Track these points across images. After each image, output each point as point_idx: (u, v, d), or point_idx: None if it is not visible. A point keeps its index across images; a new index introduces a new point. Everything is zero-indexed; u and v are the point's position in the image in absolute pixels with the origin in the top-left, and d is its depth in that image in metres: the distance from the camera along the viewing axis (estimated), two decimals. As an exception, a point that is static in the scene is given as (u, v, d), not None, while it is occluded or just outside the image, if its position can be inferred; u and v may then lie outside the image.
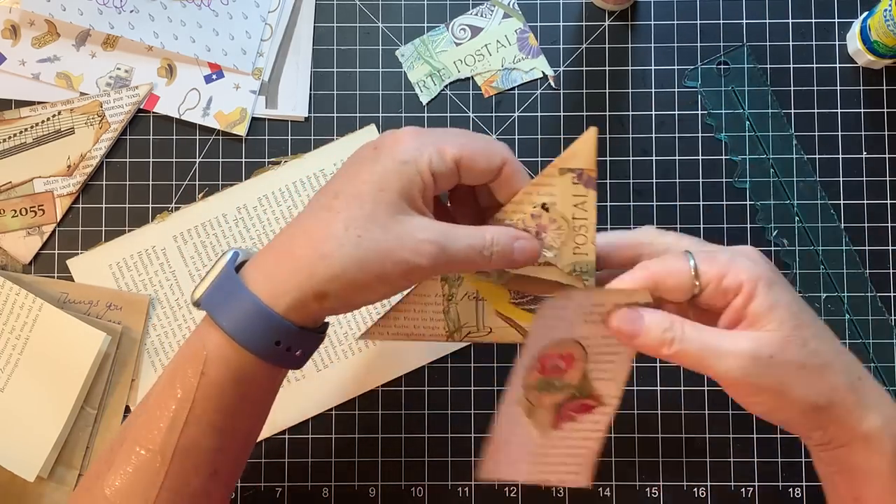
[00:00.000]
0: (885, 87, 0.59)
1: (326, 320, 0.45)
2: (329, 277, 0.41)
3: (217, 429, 0.43)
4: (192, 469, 0.42)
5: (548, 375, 0.44)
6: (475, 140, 0.44)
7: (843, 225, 0.58)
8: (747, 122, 0.58)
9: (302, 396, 0.57)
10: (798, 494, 0.57)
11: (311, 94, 0.60)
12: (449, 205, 0.48)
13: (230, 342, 0.42)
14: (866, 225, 0.58)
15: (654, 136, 0.59)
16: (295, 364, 0.44)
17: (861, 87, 0.59)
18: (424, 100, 0.59)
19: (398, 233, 0.41)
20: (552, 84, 0.59)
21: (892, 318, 0.57)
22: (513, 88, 0.59)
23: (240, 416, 0.44)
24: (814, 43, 0.59)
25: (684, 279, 0.42)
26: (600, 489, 0.57)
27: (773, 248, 0.58)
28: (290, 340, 0.42)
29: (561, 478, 0.46)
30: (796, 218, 0.58)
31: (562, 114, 0.59)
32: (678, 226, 0.58)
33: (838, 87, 0.59)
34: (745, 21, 0.59)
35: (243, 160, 0.59)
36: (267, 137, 0.59)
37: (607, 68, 0.59)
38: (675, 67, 0.59)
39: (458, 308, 0.48)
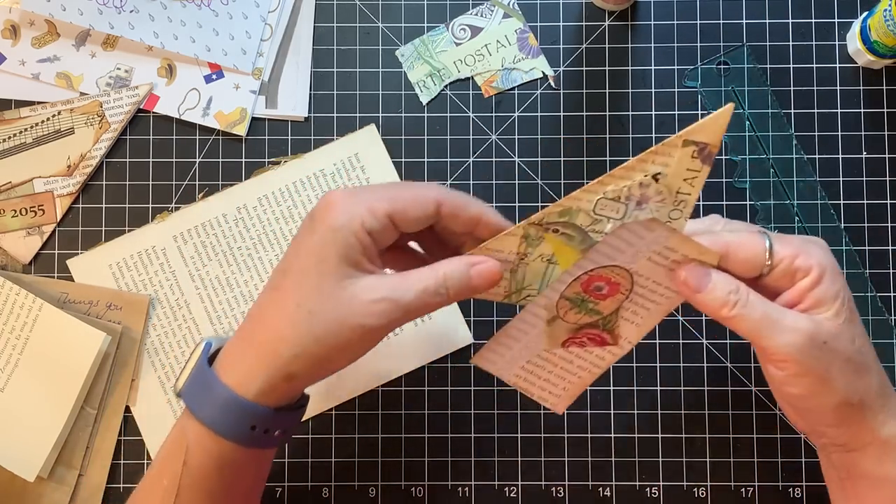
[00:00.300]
0: (885, 87, 0.59)
1: (307, 392, 0.47)
2: (290, 358, 0.42)
3: None
4: None
5: (587, 294, 0.44)
6: (405, 190, 0.44)
7: (843, 225, 0.58)
8: (747, 122, 0.58)
9: (302, 396, 0.57)
10: (798, 494, 0.57)
11: (311, 94, 0.60)
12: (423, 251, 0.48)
13: (208, 432, 0.43)
14: (866, 225, 0.58)
15: (654, 136, 0.59)
16: (275, 443, 0.46)
17: (861, 87, 0.59)
18: (424, 100, 0.59)
19: (346, 300, 0.41)
20: (552, 84, 0.59)
21: (892, 318, 0.57)
22: (513, 88, 0.59)
23: (228, 500, 0.45)
24: (814, 43, 0.59)
25: (758, 254, 0.43)
26: (600, 489, 0.57)
27: (773, 248, 0.58)
28: (265, 423, 0.43)
29: (541, 395, 0.47)
30: (796, 218, 0.58)
31: (562, 114, 0.59)
32: (678, 226, 0.58)
33: (838, 87, 0.59)
34: (745, 21, 0.59)
35: (243, 160, 0.59)
36: (267, 137, 0.59)
37: (607, 68, 0.59)
38: (675, 67, 0.59)
39: (528, 269, 0.46)
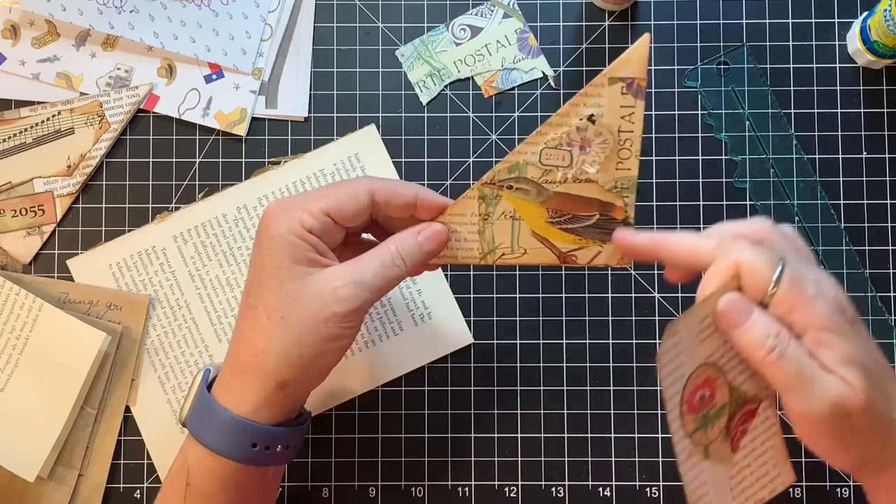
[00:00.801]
0: (885, 87, 0.59)
1: (307, 409, 0.49)
2: (278, 367, 0.43)
3: None
4: None
5: (700, 411, 0.42)
6: (337, 187, 0.45)
7: (843, 225, 0.58)
8: (747, 122, 0.58)
9: (302, 396, 0.57)
10: (798, 494, 0.57)
11: (311, 94, 0.60)
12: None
13: (210, 454, 0.44)
14: (866, 225, 0.58)
15: (654, 135, 0.59)
16: (280, 460, 0.46)
17: (861, 87, 0.59)
18: (424, 100, 0.59)
19: (312, 295, 0.43)
20: (552, 84, 0.59)
21: (892, 318, 0.57)
22: (513, 88, 0.59)
23: None
24: (814, 43, 0.59)
25: (760, 284, 0.38)
26: (600, 489, 0.57)
27: (773, 248, 0.58)
28: (265, 440, 0.45)
29: (769, 489, 0.45)
30: (796, 218, 0.58)
31: (562, 114, 0.59)
32: (678, 226, 0.58)
33: (838, 87, 0.59)
34: (745, 21, 0.59)
35: (243, 160, 0.59)
36: (267, 137, 0.59)
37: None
38: (675, 67, 0.59)
39: (494, 228, 0.47)
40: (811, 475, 0.56)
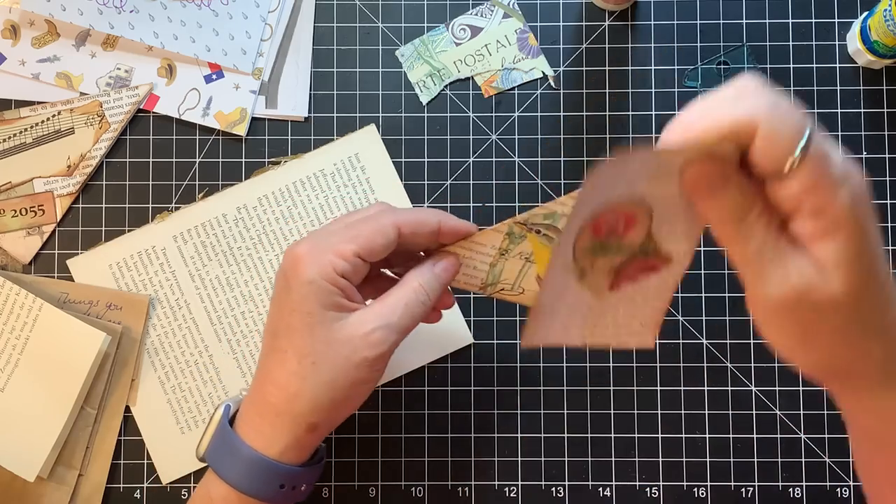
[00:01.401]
0: (885, 87, 0.59)
1: (322, 445, 0.49)
2: (309, 410, 0.44)
3: None
4: None
5: (603, 238, 0.40)
6: (364, 225, 0.45)
7: (843, 225, 0.58)
8: (747, 122, 0.58)
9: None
10: (798, 494, 0.57)
11: (311, 94, 0.60)
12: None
13: (236, 493, 0.45)
14: (866, 225, 0.58)
15: (654, 136, 0.59)
16: (301, 497, 0.47)
17: (861, 87, 0.59)
18: (424, 100, 0.59)
19: (343, 341, 0.43)
20: (552, 84, 0.59)
21: (892, 318, 0.57)
22: (513, 88, 0.59)
23: None
24: (814, 43, 0.59)
25: (779, 149, 0.32)
26: (600, 489, 0.57)
27: (773, 248, 0.58)
28: (294, 481, 0.46)
29: (622, 340, 0.43)
30: (796, 218, 0.58)
31: (562, 114, 0.59)
32: (678, 226, 0.58)
33: (838, 87, 0.59)
34: (745, 21, 0.59)
35: (243, 160, 0.59)
36: (267, 137, 0.59)
37: (607, 68, 0.59)
38: (675, 67, 0.59)
39: (507, 264, 0.47)
40: (811, 475, 0.57)
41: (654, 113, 0.59)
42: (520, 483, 0.57)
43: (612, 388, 0.58)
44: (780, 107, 0.32)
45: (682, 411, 0.57)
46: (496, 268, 0.47)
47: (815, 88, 0.59)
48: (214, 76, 0.59)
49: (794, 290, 0.33)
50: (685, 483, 0.57)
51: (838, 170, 0.32)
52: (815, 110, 0.59)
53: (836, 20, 0.59)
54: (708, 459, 0.57)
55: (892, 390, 0.36)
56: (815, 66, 0.59)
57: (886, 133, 0.59)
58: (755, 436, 0.57)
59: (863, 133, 0.58)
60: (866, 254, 0.34)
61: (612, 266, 0.41)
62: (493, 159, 0.59)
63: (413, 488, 0.57)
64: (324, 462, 0.50)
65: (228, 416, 0.47)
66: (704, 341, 0.58)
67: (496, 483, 0.57)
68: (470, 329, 0.58)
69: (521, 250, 0.46)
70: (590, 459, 0.57)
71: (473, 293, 0.53)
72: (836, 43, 0.59)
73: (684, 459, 0.57)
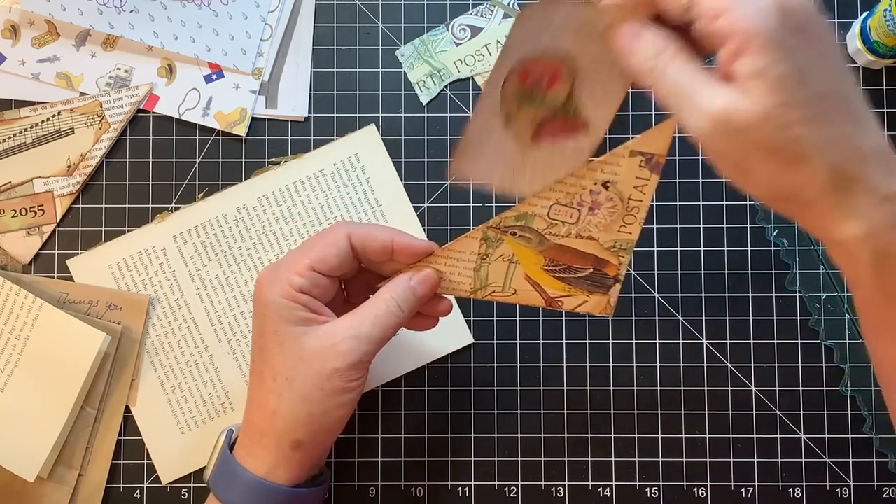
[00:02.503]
0: (884, 87, 0.59)
1: (326, 469, 0.50)
2: (289, 427, 0.45)
3: None
4: None
5: (528, 87, 0.42)
6: (317, 239, 0.47)
7: (843, 225, 0.58)
8: (747, 122, 0.58)
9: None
10: (798, 494, 0.57)
11: (311, 94, 0.60)
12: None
13: None
14: (866, 225, 0.58)
15: (654, 136, 0.59)
16: None
17: (861, 87, 0.59)
18: (424, 100, 0.59)
19: (312, 354, 0.44)
20: (552, 84, 0.59)
21: (892, 318, 0.57)
22: (513, 88, 0.59)
23: None
24: (814, 43, 0.59)
25: None
26: (600, 489, 0.57)
27: (773, 248, 0.58)
28: (286, 501, 0.46)
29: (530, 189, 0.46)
30: (796, 218, 0.58)
31: (562, 114, 0.59)
32: (678, 226, 0.58)
33: (838, 87, 0.59)
34: (745, 21, 0.59)
35: (243, 160, 0.59)
36: (267, 137, 0.59)
37: (607, 68, 0.59)
38: (675, 67, 0.59)
39: (490, 268, 0.48)
40: (811, 475, 0.57)
41: (653, 113, 0.59)
42: (520, 483, 0.57)
43: (612, 388, 0.58)
44: None
45: (682, 411, 0.57)
46: (481, 272, 0.49)
47: (815, 88, 0.59)
48: (214, 76, 0.59)
49: (718, 115, 0.34)
50: (685, 483, 0.57)
51: None
52: (815, 110, 0.59)
53: (836, 20, 0.59)
54: (708, 459, 0.57)
55: (848, 219, 0.35)
56: (815, 66, 0.59)
57: (886, 133, 0.58)
58: (755, 436, 0.57)
59: (863, 133, 0.58)
60: (787, 64, 0.33)
61: (535, 118, 0.44)
62: (493, 159, 0.59)
63: (413, 488, 0.57)
64: (326, 486, 0.50)
65: (230, 442, 0.48)
66: (704, 341, 0.58)
67: (496, 483, 0.57)
68: (470, 329, 0.58)
69: (502, 253, 0.48)
70: (590, 459, 0.57)
71: (469, 299, 0.53)
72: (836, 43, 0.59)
73: (684, 459, 0.57)
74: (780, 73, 0.33)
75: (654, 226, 0.58)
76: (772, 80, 0.33)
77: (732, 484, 0.57)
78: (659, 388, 0.58)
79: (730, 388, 0.57)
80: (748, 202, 0.58)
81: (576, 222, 0.47)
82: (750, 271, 0.58)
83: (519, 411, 0.58)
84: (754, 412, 0.57)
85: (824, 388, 0.57)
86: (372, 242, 0.46)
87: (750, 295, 0.57)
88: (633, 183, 0.45)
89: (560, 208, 0.46)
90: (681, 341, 0.58)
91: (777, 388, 0.57)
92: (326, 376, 0.44)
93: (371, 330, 0.45)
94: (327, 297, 0.47)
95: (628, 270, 0.58)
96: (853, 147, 0.35)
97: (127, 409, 0.57)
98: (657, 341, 0.57)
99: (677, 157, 0.58)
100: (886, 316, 0.37)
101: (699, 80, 0.36)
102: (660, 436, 0.57)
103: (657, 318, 0.58)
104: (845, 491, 0.57)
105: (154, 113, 0.59)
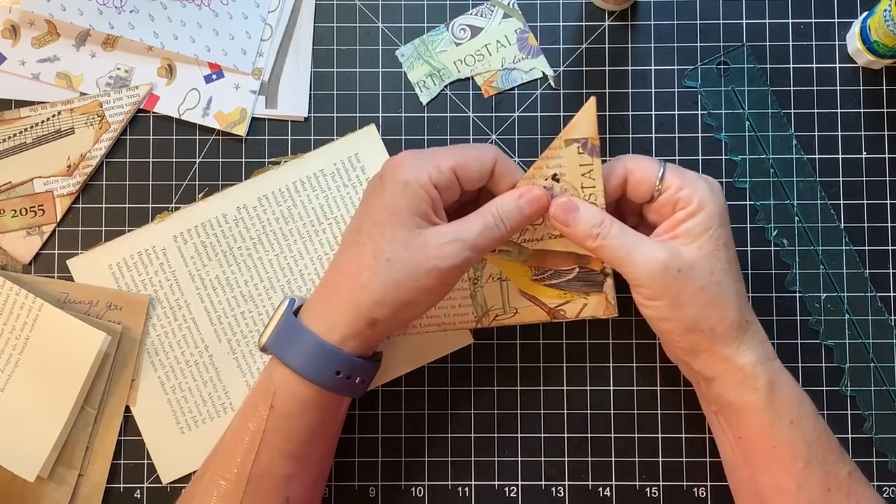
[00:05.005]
0: (884, 87, 0.59)
1: (380, 349, 0.51)
2: (373, 304, 0.46)
3: (288, 456, 0.47)
4: (266, 494, 0.46)
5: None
6: (465, 149, 0.49)
7: (842, 225, 0.58)
8: (747, 122, 0.58)
9: (302, 396, 0.57)
10: (798, 494, 0.57)
11: (311, 94, 0.60)
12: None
13: (296, 377, 0.46)
14: (866, 225, 0.58)
15: (654, 136, 0.59)
16: (356, 391, 0.48)
17: (861, 87, 0.59)
18: (424, 100, 0.59)
19: (420, 246, 0.45)
20: (552, 84, 0.59)
21: (892, 318, 0.57)
22: (513, 88, 0.59)
23: (308, 444, 0.48)
24: (814, 43, 0.59)
25: (650, 178, 0.48)
26: (600, 489, 0.57)
27: (773, 248, 0.58)
28: (349, 369, 0.47)
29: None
30: (796, 218, 0.58)
31: (562, 114, 0.59)
32: (678, 226, 0.58)
33: (838, 87, 0.59)
34: (744, 21, 0.59)
35: (243, 160, 0.59)
36: (267, 137, 0.59)
37: (607, 68, 0.59)
38: (675, 67, 0.59)
39: (484, 291, 0.50)
40: (811, 475, 0.57)
41: (653, 113, 0.59)
42: (520, 483, 0.57)
43: (612, 388, 0.58)
44: (643, 164, 0.49)
45: (682, 411, 0.57)
46: (478, 298, 0.50)
47: (814, 88, 0.59)
48: (214, 76, 0.59)
49: (665, 259, 0.46)
50: (685, 483, 0.57)
51: (693, 175, 0.48)
52: (815, 110, 0.59)
53: (836, 20, 0.59)
54: (708, 459, 0.57)
55: (748, 351, 0.47)
56: (814, 66, 0.59)
57: (886, 133, 0.59)
58: (755, 436, 0.57)
59: (863, 133, 0.58)
60: (724, 230, 0.47)
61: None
62: (493, 159, 0.59)
63: (413, 488, 0.57)
64: (380, 363, 0.51)
65: (293, 309, 0.49)
66: (704, 341, 0.58)
67: (496, 483, 0.57)
68: (470, 329, 0.58)
69: (489, 273, 0.50)
70: (590, 459, 0.57)
71: (442, 343, 0.57)
72: (836, 43, 0.59)
73: (684, 459, 0.57)
74: (717, 236, 0.47)
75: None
76: (710, 238, 0.46)
77: (732, 484, 0.57)
78: (659, 388, 0.58)
79: (730, 388, 0.57)
80: (748, 202, 0.58)
81: (542, 222, 0.49)
82: (750, 271, 0.58)
83: (519, 411, 0.58)
84: (754, 412, 0.57)
85: (824, 388, 0.57)
86: (507, 179, 0.49)
87: (750, 295, 0.57)
88: (579, 171, 0.47)
89: None
90: (681, 341, 0.58)
91: (777, 388, 0.57)
92: (426, 272, 0.45)
93: (476, 238, 0.46)
94: (447, 204, 0.48)
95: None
96: (748, 306, 0.48)
97: (127, 409, 0.57)
98: (657, 341, 0.57)
99: (677, 158, 0.59)
100: (775, 436, 0.46)
101: (639, 239, 0.47)
102: (660, 436, 0.57)
103: (657, 318, 0.58)
104: (845, 491, 0.56)
105: (154, 113, 0.59)
